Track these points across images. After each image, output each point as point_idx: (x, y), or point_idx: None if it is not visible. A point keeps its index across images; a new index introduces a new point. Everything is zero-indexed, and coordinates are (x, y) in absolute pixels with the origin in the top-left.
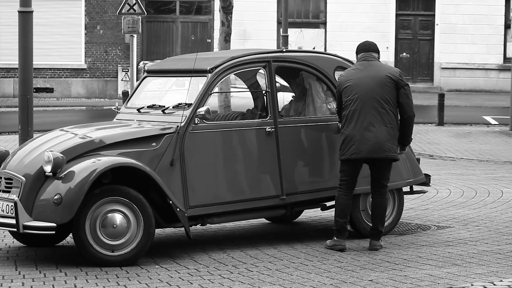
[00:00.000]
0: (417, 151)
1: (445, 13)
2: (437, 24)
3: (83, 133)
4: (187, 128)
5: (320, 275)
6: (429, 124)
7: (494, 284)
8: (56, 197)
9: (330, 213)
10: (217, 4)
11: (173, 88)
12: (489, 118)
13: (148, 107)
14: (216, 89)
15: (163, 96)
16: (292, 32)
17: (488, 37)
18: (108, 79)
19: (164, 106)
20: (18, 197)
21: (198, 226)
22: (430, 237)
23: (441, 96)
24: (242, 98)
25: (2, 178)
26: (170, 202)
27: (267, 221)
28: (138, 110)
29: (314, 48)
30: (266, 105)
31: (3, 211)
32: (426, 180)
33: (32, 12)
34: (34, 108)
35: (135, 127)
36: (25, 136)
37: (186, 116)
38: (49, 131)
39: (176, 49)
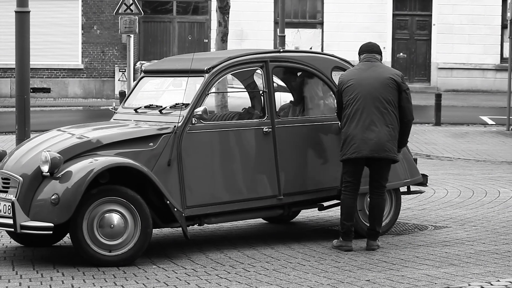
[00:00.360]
0: (414, 151)
1: (442, 13)
2: (434, 24)
3: (80, 133)
4: (184, 128)
5: (318, 275)
6: (426, 124)
7: (492, 284)
8: (53, 197)
9: (328, 213)
10: (214, 4)
11: (170, 88)
12: (486, 118)
13: (145, 107)
14: (213, 89)
15: (160, 96)
16: (289, 32)
17: (485, 37)
18: (105, 79)
19: (161, 106)
20: (15, 197)
21: (196, 226)
22: (427, 237)
23: (438, 96)
24: (239, 98)
25: (0, 178)
26: (168, 202)
27: (265, 221)
28: (135, 110)
29: (311, 48)
30: (263, 105)
31: (0, 211)
32: (423, 180)
33: (29, 12)
34: (31, 108)
35: (132, 127)
36: (22, 136)
37: (183, 116)
38: (46, 131)
39: (173, 49)
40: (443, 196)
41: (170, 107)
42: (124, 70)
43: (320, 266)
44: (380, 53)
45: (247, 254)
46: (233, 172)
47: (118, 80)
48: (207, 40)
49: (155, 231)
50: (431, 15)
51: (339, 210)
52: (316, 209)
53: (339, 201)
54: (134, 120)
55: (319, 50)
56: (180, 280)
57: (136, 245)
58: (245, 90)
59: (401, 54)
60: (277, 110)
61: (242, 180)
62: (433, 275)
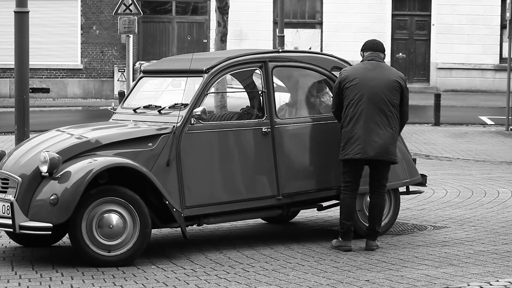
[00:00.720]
0: (413, 151)
1: (441, 13)
2: (433, 24)
3: (79, 133)
4: (183, 129)
5: (317, 275)
6: (425, 124)
7: (491, 284)
8: (52, 197)
9: (327, 214)
10: (213, 5)
11: (169, 88)
12: (485, 118)
13: (144, 107)
14: (212, 90)
15: (159, 97)
16: (288, 33)
17: (484, 37)
18: (104, 79)
19: (160, 107)
20: (14, 198)
21: (195, 226)
22: (427, 237)
23: (437, 96)
24: (238, 99)
25: None
26: (167, 202)
27: (264, 221)
28: (134, 110)
29: (310, 49)
30: (262, 105)
31: None
32: (422, 180)
33: (28, 12)
34: (31, 109)
35: (131, 127)
36: (21, 136)
37: (182, 117)
38: (45, 131)
39: (172, 49)
40: (442, 196)
41: (169, 107)
42: (123, 70)
43: (319, 266)
44: (384, 51)
45: (246, 254)
46: (232, 172)
47: (117, 80)
48: (206, 40)
49: (154, 231)
50: (430, 15)
51: (338, 210)
52: (315, 209)
53: (338, 201)
54: (133, 120)
55: (318, 50)
56: (179, 280)
57: (135, 245)
58: (244, 90)
59: (400, 54)
60: (276, 110)
61: (241, 180)
62: (432, 275)
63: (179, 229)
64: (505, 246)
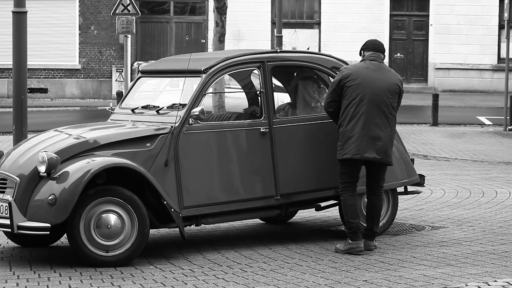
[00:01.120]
0: (411, 151)
1: (439, 14)
2: (431, 25)
3: (77, 133)
4: (182, 129)
5: (315, 276)
6: (423, 125)
7: (489, 284)
8: (50, 197)
9: (325, 214)
10: (211, 5)
11: (167, 88)
12: (483, 119)
13: (142, 107)
14: (210, 90)
15: (157, 97)
16: (286, 33)
17: (482, 37)
18: (102, 79)
19: (158, 107)
20: (12, 198)
21: (193, 226)
22: (425, 238)
23: (435, 97)
24: (236, 99)
25: None
26: (165, 202)
27: (262, 222)
28: (133, 110)
29: (308, 49)
30: (260, 106)
31: None
32: (420, 181)
33: (26, 12)
34: (29, 109)
35: (130, 127)
36: (20, 136)
37: (180, 117)
38: (44, 131)
39: (170, 49)
40: (440, 196)
41: (167, 108)
42: (121, 70)
43: (318, 266)
44: (384, 52)
45: (245, 255)
46: (230, 173)
47: (115, 80)
48: (204, 41)
49: (152, 231)
50: (428, 15)
51: (337, 211)
52: (314, 209)
53: (337, 202)
54: (131, 121)
55: (316, 51)
56: (177, 280)
57: (133, 246)
58: (242, 90)
59: (398, 54)
60: (274, 110)
61: (239, 181)
62: (431, 275)
63: (177, 229)
64: (503, 246)
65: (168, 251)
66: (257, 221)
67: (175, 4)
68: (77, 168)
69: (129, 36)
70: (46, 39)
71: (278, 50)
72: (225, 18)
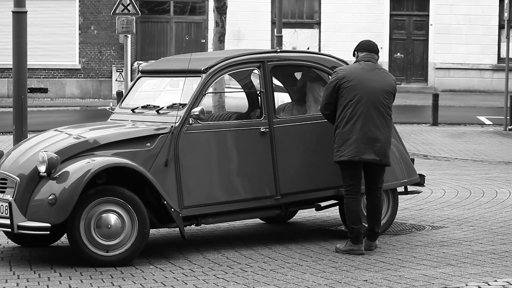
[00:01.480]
0: (411, 151)
1: (439, 13)
2: (431, 25)
3: (77, 133)
4: (182, 129)
5: (315, 275)
6: (424, 124)
7: (489, 284)
8: (50, 197)
9: (325, 214)
10: (211, 5)
11: (167, 88)
12: (483, 118)
13: (142, 107)
14: (210, 90)
15: (157, 97)
16: (286, 33)
17: (482, 37)
18: (102, 79)
19: (158, 107)
20: (12, 198)
21: (193, 226)
22: (425, 237)
23: (435, 96)
24: (236, 99)
25: None
26: (165, 202)
27: (262, 221)
28: (133, 110)
29: (308, 49)
30: (260, 105)
31: None
32: (420, 181)
33: (26, 12)
34: (29, 109)
35: (130, 127)
36: (20, 136)
37: (180, 117)
38: (44, 131)
39: (170, 49)
40: (440, 196)
41: (167, 107)
42: (121, 70)
43: (318, 266)
44: (378, 53)
45: (245, 254)
46: (231, 172)
47: (115, 80)
48: (204, 40)
49: (152, 231)
50: (428, 15)
51: (337, 211)
52: (314, 209)
53: (337, 202)
54: (131, 120)
55: (316, 50)
56: (177, 280)
57: (133, 245)
58: (242, 90)
59: (398, 54)
60: (275, 110)
61: (239, 180)
62: (431, 275)
63: (177, 229)
64: (503, 246)
65: (168, 251)
66: (257, 221)
67: (175, 4)
68: (77, 168)
69: (129, 36)
70: (46, 39)
71: (278, 50)
72: (225, 18)
